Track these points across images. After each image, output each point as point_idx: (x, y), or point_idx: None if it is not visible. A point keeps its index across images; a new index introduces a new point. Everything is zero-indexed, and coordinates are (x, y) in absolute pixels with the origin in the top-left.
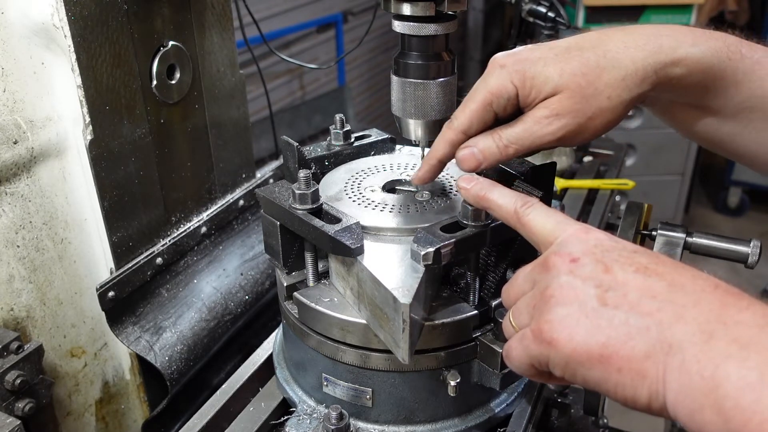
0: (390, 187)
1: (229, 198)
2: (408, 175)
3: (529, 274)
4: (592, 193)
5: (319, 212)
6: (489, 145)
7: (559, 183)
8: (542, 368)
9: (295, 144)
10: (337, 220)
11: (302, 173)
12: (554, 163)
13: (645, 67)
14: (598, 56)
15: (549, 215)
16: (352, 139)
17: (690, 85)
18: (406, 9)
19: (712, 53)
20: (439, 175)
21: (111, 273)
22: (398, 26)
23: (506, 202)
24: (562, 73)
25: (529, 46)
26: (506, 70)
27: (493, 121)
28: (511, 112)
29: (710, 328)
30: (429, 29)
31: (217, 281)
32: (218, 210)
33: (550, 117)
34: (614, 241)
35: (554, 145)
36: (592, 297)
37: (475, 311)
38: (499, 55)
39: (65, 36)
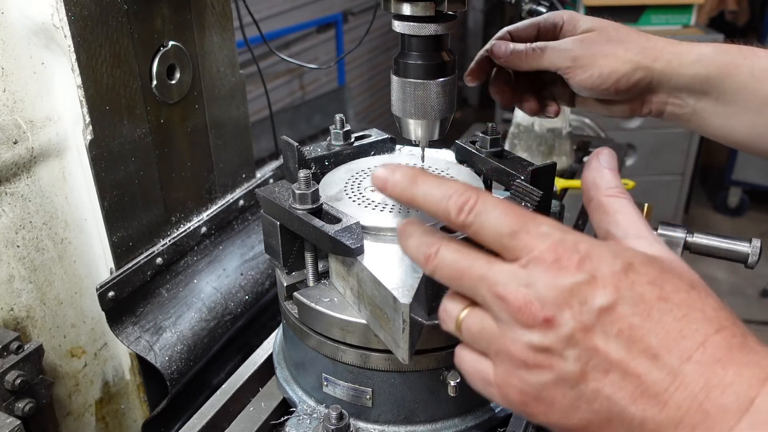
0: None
1: (229, 198)
2: None
3: (492, 305)
4: None
5: (319, 212)
6: (521, 46)
7: (559, 183)
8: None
9: (295, 144)
10: (337, 220)
11: (302, 173)
12: (554, 164)
13: (661, 50)
14: (627, 29)
15: (504, 212)
16: (352, 139)
17: (707, 79)
18: (406, 9)
19: (724, 51)
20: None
21: (111, 273)
22: (398, 26)
23: (440, 193)
24: (599, 20)
25: None
26: (564, 12)
27: (533, 38)
28: (549, 38)
29: (693, 420)
30: (429, 29)
31: (217, 281)
32: (218, 210)
33: (576, 40)
34: (592, 278)
35: (568, 65)
36: (571, 370)
37: None
38: None
39: (65, 36)
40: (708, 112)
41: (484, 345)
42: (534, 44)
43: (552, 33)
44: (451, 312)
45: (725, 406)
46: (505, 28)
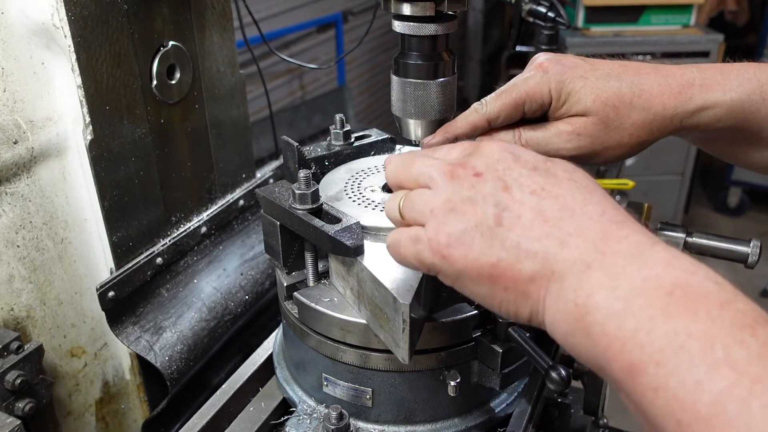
0: (390, 187)
1: (229, 198)
2: None
3: (433, 175)
4: None
5: (319, 212)
6: (509, 141)
7: None
8: (428, 270)
9: (295, 144)
10: (337, 220)
11: (302, 173)
12: None
13: (672, 117)
14: (633, 93)
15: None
16: (352, 139)
17: (724, 127)
18: (406, 9)
19: (745, 97)
20: None
21: (111, 273)
22: (398, 26)
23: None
24: (596, 100)
25: (575, 58)
26: (548, 77)
27: (518, 119)
28: (538, 115)
29: (589, 258)
30: (429, 29)
31: (217, 281)
32: (218, 210)
33: (571, 134)
34: (515, 156)
35: (569, 159)
36: (489, 216)
37: (475, 311)
38: (543, 58)
39: (65, 36)
40: (723, 148)
41: (417, 211)
42: (524, 140)
43: (542, 110)
44: (393, 201)
45: (619, 252)
46: (485, 113)
